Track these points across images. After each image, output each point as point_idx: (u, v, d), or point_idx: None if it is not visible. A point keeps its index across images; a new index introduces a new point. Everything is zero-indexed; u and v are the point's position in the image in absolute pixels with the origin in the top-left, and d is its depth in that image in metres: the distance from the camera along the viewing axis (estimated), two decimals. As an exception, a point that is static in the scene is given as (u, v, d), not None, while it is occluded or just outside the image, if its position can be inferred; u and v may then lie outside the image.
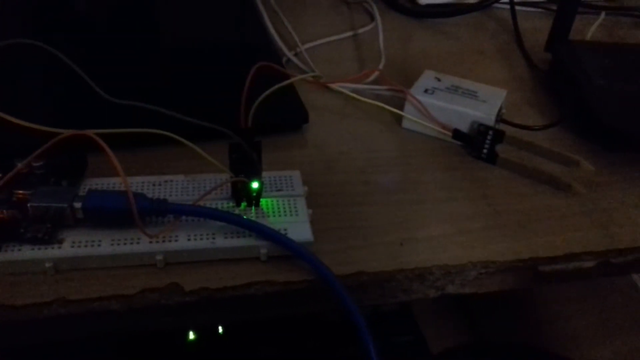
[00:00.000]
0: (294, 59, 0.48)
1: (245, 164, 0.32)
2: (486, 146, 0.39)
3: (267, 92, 0.31)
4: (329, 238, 0.32)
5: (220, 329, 0.44)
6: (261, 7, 0.52)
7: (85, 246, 0.29)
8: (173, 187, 0.33)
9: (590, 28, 0.58)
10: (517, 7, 0.58)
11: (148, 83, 0.41)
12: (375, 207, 0.35)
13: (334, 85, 0.44)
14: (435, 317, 0.50)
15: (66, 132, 0.28)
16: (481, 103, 0.40)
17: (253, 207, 0.32)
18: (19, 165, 0.29)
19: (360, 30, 0.55)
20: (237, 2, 0.53)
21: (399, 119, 0.42)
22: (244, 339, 0.43)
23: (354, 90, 0.44)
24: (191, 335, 0.43)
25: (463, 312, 0.50)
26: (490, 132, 0.39)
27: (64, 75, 0.36)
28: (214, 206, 0.31)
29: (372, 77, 0.46)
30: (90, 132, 0.27)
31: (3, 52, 0.33)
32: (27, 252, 0.28)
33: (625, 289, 0.60)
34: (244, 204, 0.32)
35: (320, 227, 0.33)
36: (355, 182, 0.37)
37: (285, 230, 0.31)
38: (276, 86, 0.32)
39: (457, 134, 0.40)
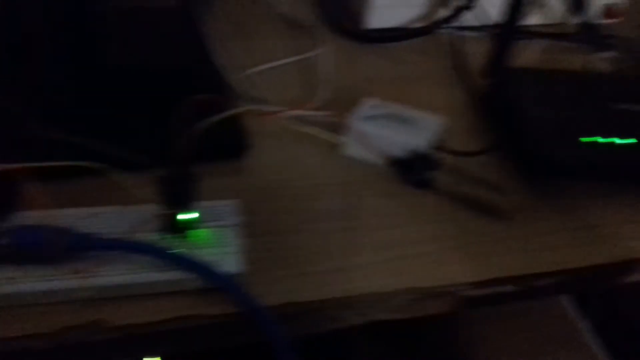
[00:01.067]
0: (239, 84, 0.49)
1: (178, 195, 0.32)
2: (421, 173, 0.40)
3: (202, 126, 0.32)
4: (262, 268, 0.33)
5: None
6: (207, 32, 0.52)
7: (7, 284, 0.29)
8: (104, 219, 0.33)
9: (531, 54, 0.59)
10: (464, 32, 0.59)
11: (84, 112, 0.41)
12: (311, 235, 0.36)
13: (278, 113, 0.45)
14: (367, 340, 0.51)
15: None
16: (418, 130, 0.41)
17: (184, 240, 0.32)
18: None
19: (307, 55, 0.55)
20: (183, 27, 0.53)
21: (340, 146, 0.43)
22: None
23: (297, 117, 0.45)
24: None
25: (394, 334, 0.50)
26: (425, 159, 0.40)
27: None
28: (145, 239, 0.31)
29: (315, 104, 0.47)
30: (15, 167, 0.27)
31: None
32: (-54, 290, 0.28)
33: (550, 308, 0.61)
34: (176, 236, 0.32)
35: (255, 257, 0.33)
36: (294, 210, 0.37)
37: (215, 261, 0.31)
38: (212, 119, 0.32)
39: (392, 161, 0.41)
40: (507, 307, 0.59)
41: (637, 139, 0.42)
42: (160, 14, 0.51)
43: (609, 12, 0.66)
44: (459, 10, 0.57)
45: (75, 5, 0.49)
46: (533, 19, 0.64)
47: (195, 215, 0.32)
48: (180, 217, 0.32)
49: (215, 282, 0.30)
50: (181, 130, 0.30)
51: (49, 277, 0.29)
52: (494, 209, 0.38)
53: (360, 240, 0.36)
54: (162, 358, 0.33)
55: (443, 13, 0.59)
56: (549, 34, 0.63)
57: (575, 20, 0.64)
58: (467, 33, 0.62)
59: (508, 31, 0.48)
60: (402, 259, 0.35)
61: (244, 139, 0.41)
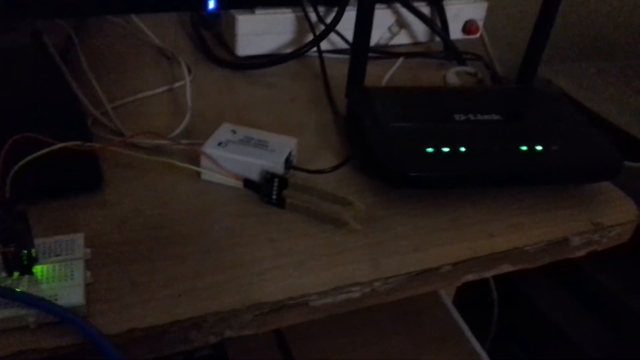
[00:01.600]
0: (101, 118, 0.49)
1: (15, 233, 0.33)
2: (274, 192, 0.42)
3: (21, 164, 0.32)
4: (108, 298, 0.34)
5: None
6: (68, 67, 0.53)
7: None
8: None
9: (391, 73, 0.63)
10: (328, 55, 0.63)
11: None
12: (160, 262, 0.37)
13: (136, 143, 0.46)
14: (250, 353, 0.52)
15: None
16: (270, 152, 0.44)
17: (26, 276, 0.33)
18: None
19: (176, 85, 0.57)
20: (39, 64, 0.53)
21: (200, 172, 0.44)
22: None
23: (157, 147, 0.46)
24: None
25: (278, 345, 0.52)
26: (276, 180, 0.42)
27: None
28: (-16, 278, 0.32)
29: (176, 133, 0.48)
30: None
31: None
32: None
33: (433, 307, 0.65)
34: (16, 274, 0.33)
35: (101, 288, 0.34)
36: (145, 239, 0.38)
37: (55, 296, 0.32)
38: (34, 155, 0.33)
39: (247, 182, 0.43)
40: (393, 310, 0.62)
41: (480, 145, 0.46)
42: (13, 53, 0.51)
43: (468, 28, 0.71)
44: (322, 35, 0.60)
45: None
46: (400, 39, 0.69)
47: (33, 251, 0.33)
48: (19, 253, 0.32)
49: (55, 315, 0.31)
50: (3, 170, 0.31)
51: None
52: (341, 220, 0.41)
53: (214, 262, 0.37)
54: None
55: (309, 38, 0.62)
56: (412, 52, 0.68)
57: (436, 37, 0.70)
58: (334, 55, 0.65)
59: (359, 51, 0.52)
60: (250, 276, 0.37)
61: (97, 172, 0.42)
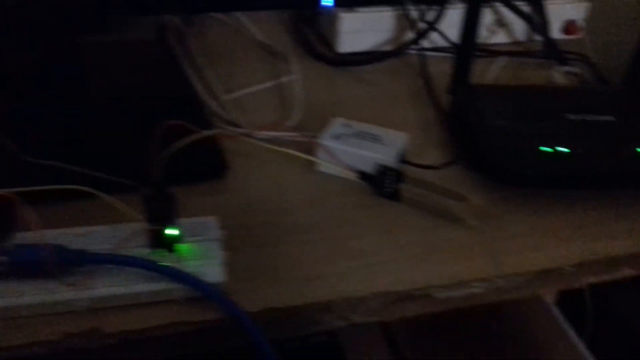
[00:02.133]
0: (218, 109, 0.52)
1: (161, 213, 0.35)
2: (389, 185, 0.43)
3: (175, 147, 0.34)
4: (244, 278, 0.35)
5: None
6: (188, 61, 0.55)
7: (10, 297, 0.31)
8: (93, 237, 0.35)
9: (493, 71, 0.63)
10: (429, 52, 0.63)
11: (69, 138, 0.43)
12: (288, 246, 0.39)
13: (254, 134, 0.48)
14: (360, 345, 0.53)
15: (-12, 193, 0.30)
16: (384, 146, 0.45)
17: (170, 253, 0.35)
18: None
19: (282, 80, 0.59)
20: (162, 57, 0.56)
21: (315, 163, 0.46)
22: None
23: (273, 138, 0.48)
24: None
25: (386, 339, 0.53)
26: (393, 173, 0.43)
27: None
28: (132, 254, 0.34)
29: (289, 125, 0.50)
30: (8, 192, 0.30)
31: None
32: (-49, 305, 0.30)
33: (537, 310, 0.64)
34: (161, 251, 0.35)
35: (236, 268, 0.36)
36: (271, 224, 0.40)
37: (199, 273, 0.34)
38: (181, 143, 0.35)
39: (363, 175, 0.44)
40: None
41: (596, 146, 0.45)
42: (139, 46, 0.54)
43: (568, 28, 0.70)
44: (423, 33, 0.61)
45: (61, 40, 0.52)
46: (498, 38, 0.69)
47: (177, 231, 0.35)
48: (165, 232, 0.35)
49: (201, 291, 0.33)
50: (155, 153, 0.33)
51: (48, 290, 0.32)
52: (457, 216, 0.41)
53: (336, 250, 0.39)
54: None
55: (409, 36, 0.63)
56: (513, 51, 0.68)
57: (537, 37, 0.69)
58: (434, 53, 0.66)
59: (466, 50, 0.52)
60: (374, 265, 0.38)
61: (222, 160, 0.44)
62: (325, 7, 0.48)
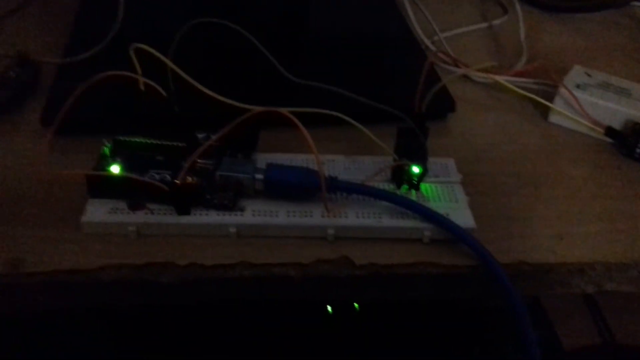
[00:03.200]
0: (432, 47, 0.49)
1: (409, 148, 0.33)
2: (640, 146, 0.38)
3: (442, 84, 0.32)
4: (487, 226, 0.33)
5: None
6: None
7: (265, 215, 0.31)
8: (335, 166, 0.34)
9: None
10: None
11: (319, 67, 0.43)
12: (527, 199, 0.36)
13: (481, 76, 0.45)
14: (563, 315, 0.50)
15: (258, 109, 0.30)
16: (636, 101, 0.40)
17: (413, 191, 0.33)
18: (213, 138, 0.31)
19: (495, 22, 0.54)
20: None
21: (543, 113, 0.42)
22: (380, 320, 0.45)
23: (495, 83, 0.44)
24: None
25: (592, 312, 0.49)
26: (646, 132, 0.38)
27: (247, 54, 0.38)
28: (376, 187, 0.33)
29: (513, 70, 0.46)
30: (283, 110, 0.29)
31: (191, 31, 0.35)
32: (214, 217, 0.31)
33: None
34: (405, 187, 0.33)
35: (477, 215, 0.33)
36: (505, 174, 0.37)
37: (447, 215, 0.32)
38: (447, 79, 0.33)
39: (610, 131, 0.39)
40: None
41: None
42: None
43: None
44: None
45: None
46: None
47: (425, 169, 0.33)
48: (412, 169, 0.33)
49: (454, 234, 0.31)
50: (422, 87, 0.31)
51: (301, 213, 0.31)
52: None
53: (581, 209, 0.35)
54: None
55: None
56: None
57: None
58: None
59: None
60: (628, 232, 0.34)
61: (450, 101, 0.41)
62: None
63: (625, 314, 0.49)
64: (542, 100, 0.41)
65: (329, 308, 0.47)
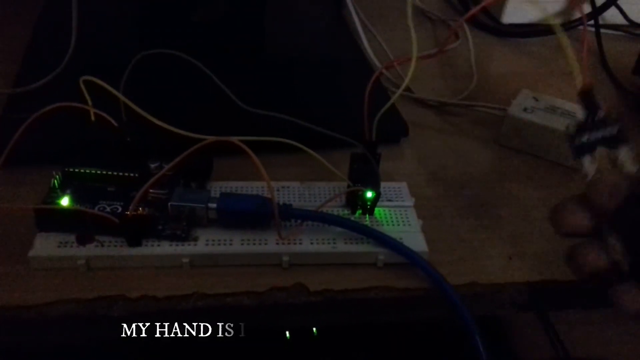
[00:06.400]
0: (387, 73, 0.50)
1: (363, 174, 0.33)
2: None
3: (386, 107, 0.33)
4: (440, 249, 0.34)
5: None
6: (356, 22, 0.54)
7: (219, 244, 0.31)
8: (290, 193, 0.35)
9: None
10: (592, 29, 0.58)
11: (273, 95, 0.43)
12: (479, 220, 0.36)
13: (430, 102, 0.46)
14: (519, 331, 0.51)
15: (210, 138, 0.30)
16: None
17: (367, 216, 0.34)
18: (165, 168, 0.31)
19: (446, 48, 0.56)
20: (331, 18, 0.55)
21: (494, 135, 0.43)
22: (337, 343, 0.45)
23: (448, 106, 0.46)
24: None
25: (545, 326, 0.50)
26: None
27: (200, 83, 0.39)
28: (330, 213, 0.33)
29: (464, 94, 0.47)
30: (234, 139, 0.29)
31: (145, 61, 0.35)
32: (166, 248, 0.30)
33: None
34: (359, 212, 0.34)
35: (430, 238, 0.34)
36: (457, 196, 0.38)
37: (400, 239, 0.32)
38: (391, 101, 0.33)
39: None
40: None
41: None
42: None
43: None
44: (600, 9, 0.56)
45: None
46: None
47: (378, 193, 0.34)
48: (366, 194, 0.33)
49: (408, 258, 0.31)
50: (368, 113, 0.32)
51: (255, 241, 0.31)
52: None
53: (531, 229, 0.36)
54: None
55: (583, 10, 0.58)
56: None
57: None
58: (604, 31, 0.61)
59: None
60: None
61: (403, 125, 0.42)
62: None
63: (578, 327, 0.50)
64: (491, 124, 0.42)
65: (287, 333, 0.46)
